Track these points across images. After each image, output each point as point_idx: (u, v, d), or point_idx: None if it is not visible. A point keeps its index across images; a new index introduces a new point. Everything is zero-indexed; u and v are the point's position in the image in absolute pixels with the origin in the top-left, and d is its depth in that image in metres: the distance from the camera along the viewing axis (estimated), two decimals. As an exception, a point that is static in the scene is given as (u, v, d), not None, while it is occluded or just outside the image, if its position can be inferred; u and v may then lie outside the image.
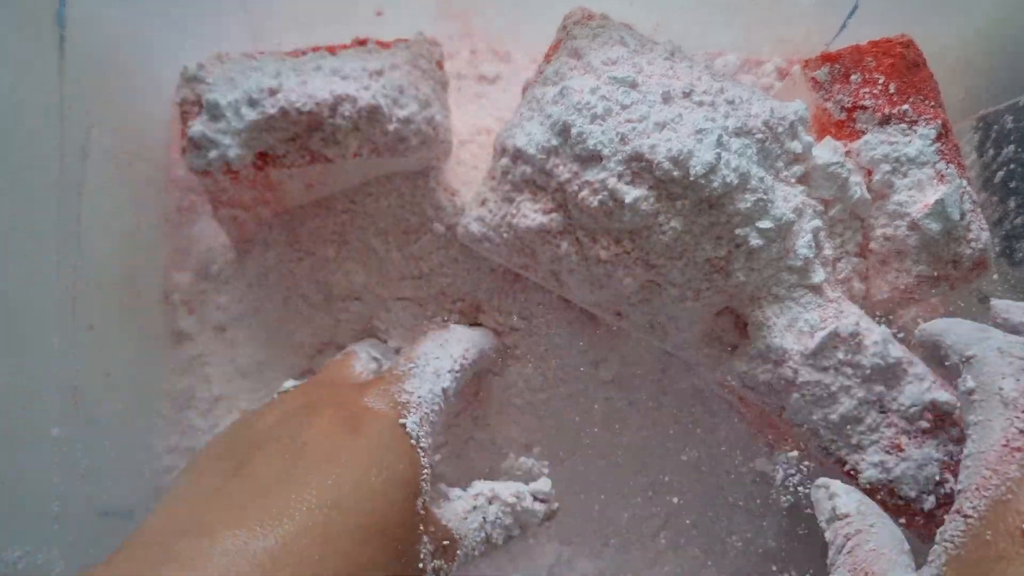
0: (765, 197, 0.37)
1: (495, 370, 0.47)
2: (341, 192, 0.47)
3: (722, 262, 0.38)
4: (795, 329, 0.38)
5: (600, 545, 0.48)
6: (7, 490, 0.36)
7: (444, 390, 0.38)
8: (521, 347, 0.47)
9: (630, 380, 0.48)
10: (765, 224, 0.37)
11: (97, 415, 0.42)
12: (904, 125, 0.43)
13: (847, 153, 0.43)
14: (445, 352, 0.41)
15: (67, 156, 0.41)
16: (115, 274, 0.46)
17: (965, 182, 0.43)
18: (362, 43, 0.44)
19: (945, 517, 0.31)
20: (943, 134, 0.43)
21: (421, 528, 0.32)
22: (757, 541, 0.48)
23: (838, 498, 0.34)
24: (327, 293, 0.48)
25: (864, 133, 0.44)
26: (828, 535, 0.33)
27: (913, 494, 0.38)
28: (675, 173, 0.36)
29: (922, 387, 0.39)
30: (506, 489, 0.40)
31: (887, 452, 0.38)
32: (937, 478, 0.38)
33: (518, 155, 0.39)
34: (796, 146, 0.40)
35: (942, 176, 0.42)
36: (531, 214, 0.39)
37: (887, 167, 0.43)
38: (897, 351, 0.39)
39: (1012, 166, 0.46)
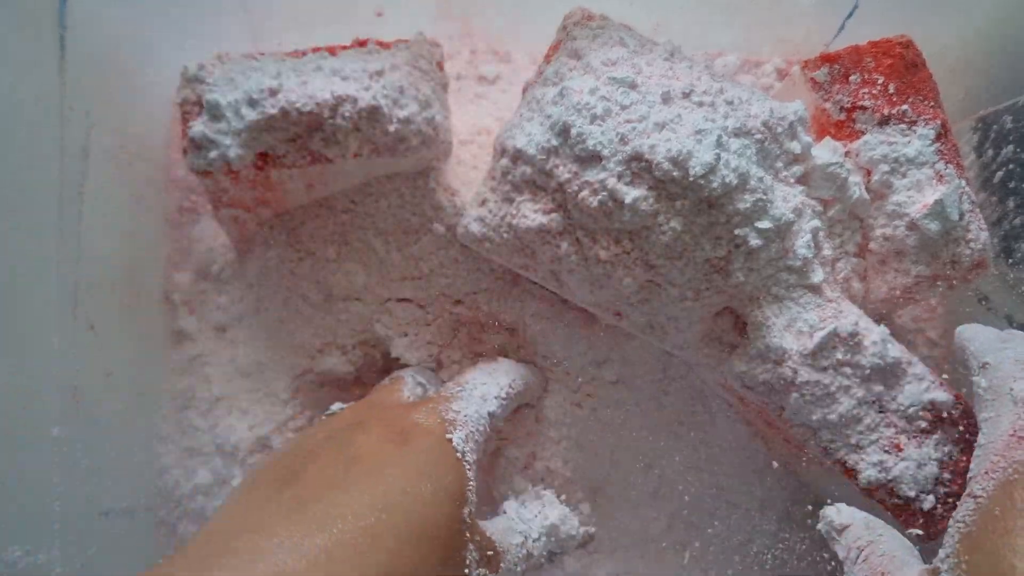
0: (764, 197, 0.37)
1: (534, 403, 0.48)
2: (341, 192, 0.47)
3: (721, 262, 0.38)
4: (794, 329, 0.39)
5: (611, 548, 0.48)
6: (7, 490, 0.36)
7: (490, 414, 0.39)
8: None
9: (632, 381, 0.48)
10: (764, 224, 0.37)
11: (97, 415, 0.42)
12: (903, 125, 0.43)
13: (846, 153, 0.43)
14: (492, 380, 0.42)
15: (68, 156, 0.41)
16: (116, 274, 0.46)
17: (964, 182, 0.43)
18: (362, 44, 0.44)
19: (945, 516, 0.32)
20: (942, 134, 0.43)
21: (467, 536, 0.33)
22: (757, 540, 0.48)
23: (843, 514, 0.36)
24: (327, 293, 0.48)
25: (863, 133, 0.44)
26: (841, 552, 0.36)
27: (912, 493, 0.38)
28: (675, 173, 0.36)
29: (921, 387, 0.39)
30: (552, 511, 0.41)
31: (886, 452, 0.38)
32: (936, 477, 0.38)
33: (518, 155, 0.39)
34: (795, 146, 0.41)
35: (941, 176, 0.43)
36: (531, 214, 0.39)
37: (886, 167, 0.43)
38: (896, 351, 0.39)
39: (1011, 166, 0.46)
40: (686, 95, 0.39)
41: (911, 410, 0.38)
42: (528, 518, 0.40)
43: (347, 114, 0.40)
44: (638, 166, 0.37)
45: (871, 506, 0.39)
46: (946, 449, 0.39)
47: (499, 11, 0.56)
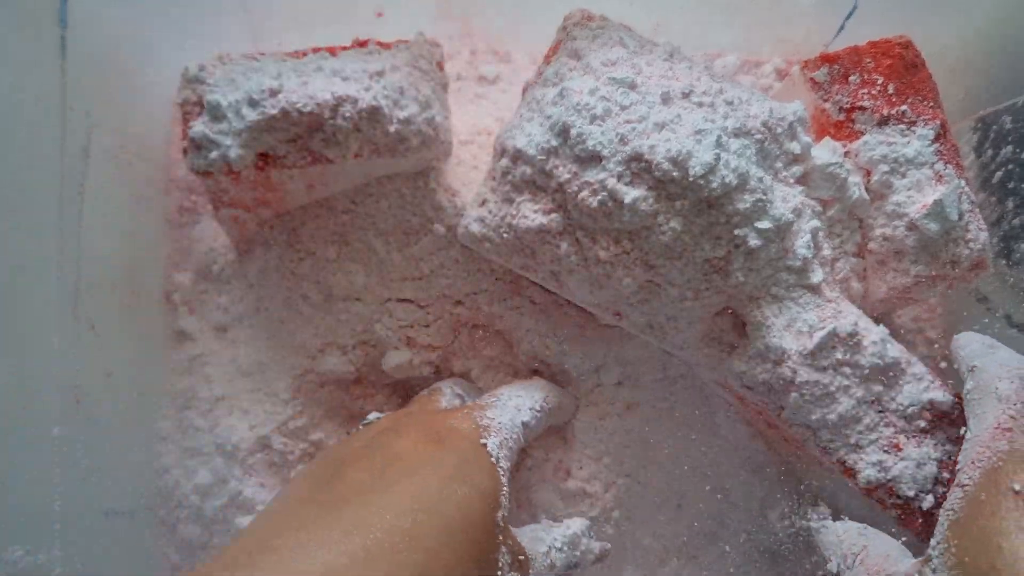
0: (764, 197, 0.37)
1: (563, 425, 0.48)
2: (342, 193, 0.47)
3: (721, 262, 0.38)
4: (794, 329, 0.39)
5: (623, 561, 0.48)
6: (8, 490, 0.36)
7: (523, 424, 0.40)
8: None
9: (637, 384, 0.48)
10: (764, 224, 0.37)
11: (98, 415, 0.42)
12: (903, 126, 0.43)
13: (846, 154, 0.43)
14: (527, 393, 0.43)
15: (68, 156, 0.41)
16: (116, 274, 0.46)
17: (963, 182, 0.43)
18: (363, 44, 0.44)
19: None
20: (941, 135, 0.43)
21: (500, 539, 0.34)
22: (759, 539, 0.48)
23: (838, 525, 0.39)
24: (328, 293, 0.48)
25: (863, 134, 0.44)
26: (837, 560, 0.37)
27: (911, 493, 0.38)
28: (674, 173, 0.36)
29: (920, 387, 0.39)
30: (574, 523, 0.42)
31: (885, 451, 0.38)
32: (935, 477, 0.38)
33: (518, 156, 0.39)
34: (795, 147, 0.41)
35: (940, 176, 0.43)
36: (531, 214, 0.39)
37: (886, 167, 0.43)
38: (895, 351, 0.39)
39: (1010, 166, 0.47)
40: (686, 95, 0.39)
41: (910, 410, 0.38)
42: (551, 528, 0.41)
43: (347, 114, 0.40)
44: (638, 166, 0.37)
45: (871, 505, 0.39)
46: (945, 449, 0.39)
47: (499, 11, 0.56)
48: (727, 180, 0.36)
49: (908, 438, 0.38)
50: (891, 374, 0.39)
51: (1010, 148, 0.46)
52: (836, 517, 0.41)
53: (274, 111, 0.40)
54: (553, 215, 0.39)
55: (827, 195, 0.42)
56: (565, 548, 0.40)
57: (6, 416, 0.37)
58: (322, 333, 0.48)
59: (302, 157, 0.41)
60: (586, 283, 0.40)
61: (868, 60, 0.45)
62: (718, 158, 0.36)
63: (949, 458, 0.38)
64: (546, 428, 0.45)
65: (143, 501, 0.46)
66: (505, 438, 0.38)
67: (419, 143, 0.42)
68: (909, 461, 0.38)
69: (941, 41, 0.48)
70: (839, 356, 0.38)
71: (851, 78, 0.44)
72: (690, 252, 0.38)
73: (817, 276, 0.39)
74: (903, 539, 0.37)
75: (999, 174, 0.47)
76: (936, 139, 0.43)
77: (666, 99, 0.38)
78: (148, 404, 0.48)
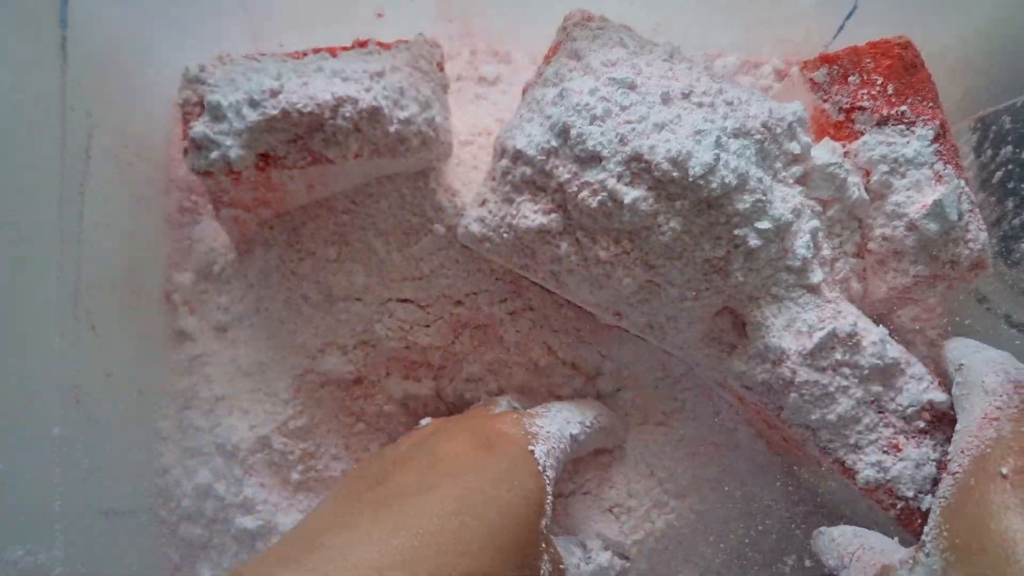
0: (764, 198, 0.37)
1: (612, 448, 0.48)
2: (342, 193, 0.47)
3: (721, 262, 0.38)
4: (793, 329, 0.39)
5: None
6: (8, 490, 0.36)
7: (572, 436, 0.40)
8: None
9: (635, 381, 0.48)
10: (764, 224, 0.37)
11: (98, 415, 0.42)
12: (902, 126, 0.43)
13: (845, 154, 0.43)
14: (578, 409, 0.43)
15: (69, 156, 0.41)
16: (116, 274, 0.46)
17: (963, 183, 0.43)
18: (363, 44, 0.44)
19: None
20: (941, 135, 0.43)
21: (543, 546, 0.34)
22: (760, 541, 0.48)
23: (833, 530, 0.39)
24: (328, 294, 0.48)
25: (862, 134, 0.44)
26: (834, 563, 0.38)
27: (911, 494, 0.38)
28: (674, 174, 0.36)
29: (920, 387, 0.39)
30: (602, 554, 0.43)
31: (885, 452, 0.38)
32: (935, 478, 0.38)
33: (518, 156, 0.39)
34: (795, 147, 0.41)
35: (940, 177, 0.43)
36: (531, 215, 0.39)
37: (885, 168, 0.43)
38: (895, 351, 0.39)
39: (1010, 167, 0.47)
40: (685, 96, 0.39)
41: (910, 410, 0.38)
42: (580, 542, 0.41)
43: (348, 115, 0.40)
44: (638, 166, 0.37)
45: (870, 506, 0.40)
46: (944, 449, 0.39)
47: (499, 12, 0.56)
48: (727, 180, 0.36)
49: (907, 439, 0.39)
50: (890, 374, 0.39)
51: (1009, 148, 0.47)
52: (833, 523, 0.41)
53: (274, 111, 0.40)
54: (553, 215, 0.39)
55: (827, 195, 0.42)
56: (596, 562, 0.41)
57: (6, 416, 0.37)
58: (322, 333, 0.48)
59: (302, 157, 0.41)
60: (586, 283, 0.40)
61: (868, 60, 0.45)
62: (718, 158, 0.36)
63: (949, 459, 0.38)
64: (594, 448, 0.45)
65: (143, 501, 0.47)
66: (553, 447, 0.38)
67: (419, 143, 0.42)
68: (908, 461, 0.38)
69: (941, 41, 0.48)
70: (838, 356, 0.38)
71: (850, 78, 0.44)
72: (690, 252, 0.38)
73: (817, 276, 0.39)
74: (897, 539, 0.37)
75: (999, 174, 0.47)
76: (935, 139, 0.43)
77: (666, 99, 0.38)
78: (148, 404, 0.48)
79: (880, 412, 0.39)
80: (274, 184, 0.43)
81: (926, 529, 0.33)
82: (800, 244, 0.39)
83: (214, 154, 0.40)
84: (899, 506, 0.38)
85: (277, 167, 0.41)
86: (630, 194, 0.37)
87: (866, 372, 0.38)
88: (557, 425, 0.40)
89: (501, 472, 0.34)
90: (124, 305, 0.46)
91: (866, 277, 0.44)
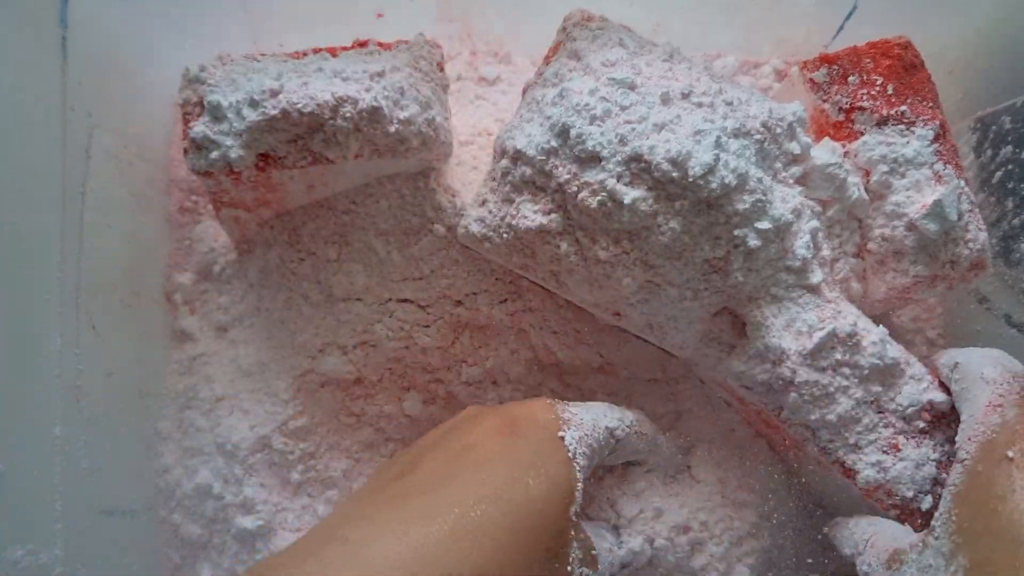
0: (763, 198, 0.37)
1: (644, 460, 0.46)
2: (342, 193, 0.47)
3: (720, 262, 0.38)
4: (793, 329, 0.39)
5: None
6: (8, 490, 0.36)
7: (608, 428, 0.39)
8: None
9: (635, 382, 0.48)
10: (763, 225, 0.37)
11: (99, 415, 0.42)
12: (902, 126, 0.44)
13: (845, 154, 0.43)
14: (619, 408, 0.42)
15: (69, 156, 0.41)
16: (117, 274, 0.46)
17: (963, 183, 0.43)
18: (363, 45, 0.44)
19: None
20: (941, 135, 0.43)
21: (572, 534, 0.34)
22: (764, 542, 0.48)
23: (849, 520, 0.40)
24: (328, 294, 0.48)
25: (862, 134, 0.44)
26: (849, 549, 0.39)
27: (910, 494, 0.38)
28: (674, 174, 0.36)
29: (919, 387, 0.39)
30: (635, 539, 0.42)
31: (884, 452, 0.38)
32: (934, 478, 0.38)
33: (518, 156, 0.39)
34: (794, 147, 0.41)
35: (940, 177, 0.43)
36: (531, 215, 0.39)
37: (885, 168, 0.43)
38: (895, 351, 0.39)
39: (1010, 167, 0.47)
40: (685, 96, 0.39)
41: (909, 411, 0.38)
42: (611, 528, 0.41)
43: (348, 115, 0.40)
44: (637, 167, 0.37)
45: (871, 505, 0.40)
46: (944, 449, 0.39)
47: (499, 12, 0.56)
48: (726, 180, 0.36)
49: (907, 439, 0.39)
50: (890, 375, 0.39)
51: (1009, 148, 0.47)
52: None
53: (275, 112, 0.40)
54: (553, 215, 0.39)
55: (826, 195, 0.42)
56: (631, 548, 0.40)
57: (6, 416, 0.37)
58: (322, 333, 0.48)
59: (302, 157, 0.41)
60: (586, 283, 0.40)
61: (867, 61, 0.45)
62: (717, 159, 0.36)
63: (948, 459, 0.39)
64: (634, 456, 0.43)
65: (143, 501, 0.47)
66: (585, 434, 0.37)
67: (419, 144, 0.42)
68: (908, 462, 0.38)
69: (941, 41, 0.48)
70: (838, 356, 0.38)
71: (850, 79, 0.44)
72: (689, 252, 0.38)
73: (816, 276, 0.39)
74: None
75: (998, 174, 0.47)
76: (935, 139, 0.43)
77: (666, 100, 0.38)
78: (148, 404, 0.48)
79: (880, 412, 0.39)
80: (274, 184, 0.44)
81: (936, 515, 0.34)
82: (800, 244, 0.39)
83: (214, 154, 0.41)
84: (899, 506, 0.38)
85: (277, 167, 0.42)
86: (630, 194, 0.37)
87: (866, 372, 0.38)
88: (592, 414, 0.39)
89: (528, 459, 0.34)
90: (124, 305, 0.46)
91: (866, 277, 0.44)
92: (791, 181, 0.41)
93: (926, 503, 0.38)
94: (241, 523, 0.46)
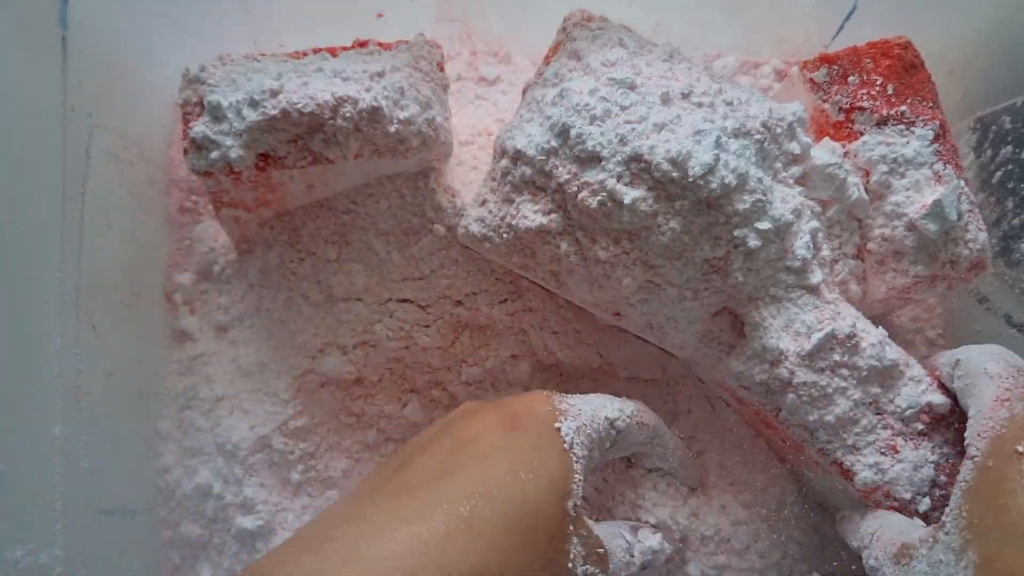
0: (763, 198, 0.37)
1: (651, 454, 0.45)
2: (342, 193, 0.47)
3: (720, 262, 0.38)
4: (792, 330, 0.39)
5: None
6: (8, 490, 0.36)
7: (608, 419, 0.38)
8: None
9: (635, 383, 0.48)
10: (763, 225, 0.37)
11: (99, 415, 0.42)
12: (902, 126, 0.44)
13: (845, 154, 0.43)
14: (619, 399, 0.41)
15: (70, 156, 0.41)
16: (117, 274, 0.46)
17: (963, 183, 0.43)
18: (363, 45, 0.44)
19: (940, 517, 0.34)
20: (941, 135, 0.43)
21: (570, 529, 0.34)
22: (763, 542, 0.48)
23: (856, 513, 0.40)
24: (328, 294, 0.48)
25: (862, 134, 0.44)
26: (856, 542, 0.39)
27: (908, 496, 0.38)
28: (674, 174, 0.36)
29: (918, 389, 0.39)
30: (651, 519, 0.43)
31: (882, 454, 0.38)
32: (932, 480, 0.38)
33: (518, 156, 0.39)
34: (794, 147, 0.41)
35: (940, 177, 0.43)
36: (531, 215, 0.39)
37: (885, 168, 0.43)
38: (893, 353, 0.39)
39: (1010, 167, 0.47)
40: (685, 96, 0.39)
41: (908, 412, 0.38)
42: (630, 528, 0.41)
43: (348, 115, 0.40)
44: (637, 167, 0.37)
45: (870, 505, 0.40)
46: (942, 451, 0.39)
47: (499, 13, 0.56)
48: (726, 180, 0.36)
49: (905, 440, 0.39)
50: (889, 376, 0.39)
51: (1009, 148, 0.47)
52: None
53: (275, 112, 0.40)
54: (553, 215, 0.39)
55: (826, 195, 0.42)
56: (648, 547, 0.40)
57: (6, 416, 0.37)
58: (322, 333, 0.48)
59: (302, 157, 0.41)
60: (586, 283, 0.40)
61: (867, 61, 0.45)
62: (717, 159, 0.36)
63: (946, 461, 0.39)
64: (636, 449, 0.42)
65: (143, 501, 0.47)
66: (583, 424, 0.36)
67: (419, 144, 0.42)
68: (906, 463, 0.38)
69: (941, 41, 0.48)
70: (837, 357, 0.38)
71: (850, 79, 0.44)
72: (689, 252, 0.38)
73: (816, 277, 0.39)
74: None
75: (998, 174, 0.47)
76: (935, 139, 0.43)
77: (666, 100, 0.39)
78: (148, 404, 0.48)
79: (878, 414, 0.39)
80: (274, 184, 0.44)
81: (947, 510, 0.34)
82: (800, 245, 0.39)
83: (214, 154, 0.41)
84: (897, 508, 0.38)
85: (277, 167, 0.42)
86: (630, 194, 0.37)
87: (864, 373, 0.38)
88: (591, 405, 0.38)
89: (522, 453, 0.34)
90: (124, 305, 0.46)
91: (866, 278, 0.44)
92: (791, 181, 0.41)
93: (924, 505, 0.38)
94: (241, 523, 0.46)
